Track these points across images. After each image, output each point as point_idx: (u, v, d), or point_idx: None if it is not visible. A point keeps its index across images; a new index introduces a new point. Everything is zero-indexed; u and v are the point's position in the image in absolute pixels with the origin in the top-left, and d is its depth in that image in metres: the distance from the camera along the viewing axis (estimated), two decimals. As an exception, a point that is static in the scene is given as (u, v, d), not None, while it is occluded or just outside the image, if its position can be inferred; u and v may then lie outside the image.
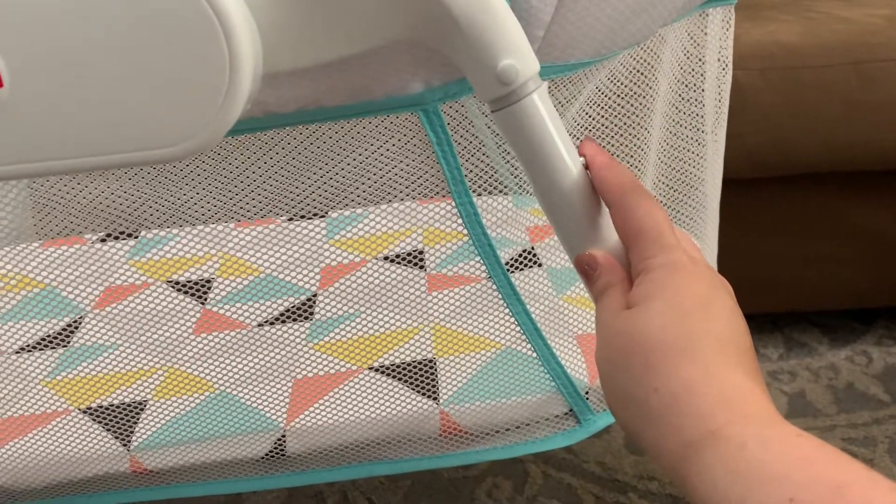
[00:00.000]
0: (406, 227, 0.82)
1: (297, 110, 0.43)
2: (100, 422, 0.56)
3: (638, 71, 0.47)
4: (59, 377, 0.62)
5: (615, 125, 0.49)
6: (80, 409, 0.58)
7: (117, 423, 0.56)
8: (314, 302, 0.71)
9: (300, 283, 0.75)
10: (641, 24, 0.42)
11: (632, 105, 0.49)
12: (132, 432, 0.55)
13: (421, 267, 0.74)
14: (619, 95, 0.48)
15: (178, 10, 0.32)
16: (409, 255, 0.77)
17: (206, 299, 0.73)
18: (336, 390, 0.57)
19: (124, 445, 0.54)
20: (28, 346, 0.67)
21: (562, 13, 0.41)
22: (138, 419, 0.56)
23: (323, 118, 0.43)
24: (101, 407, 0.58)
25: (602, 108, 0.48)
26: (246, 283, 0.75)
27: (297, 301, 0.72)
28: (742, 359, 0.33)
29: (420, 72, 0.43)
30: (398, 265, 0.75)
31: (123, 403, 0.58)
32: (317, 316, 0.69)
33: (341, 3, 0.36)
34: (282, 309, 0.71)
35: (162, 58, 0.33)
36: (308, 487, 0.92)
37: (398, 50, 0.40)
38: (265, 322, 0.69)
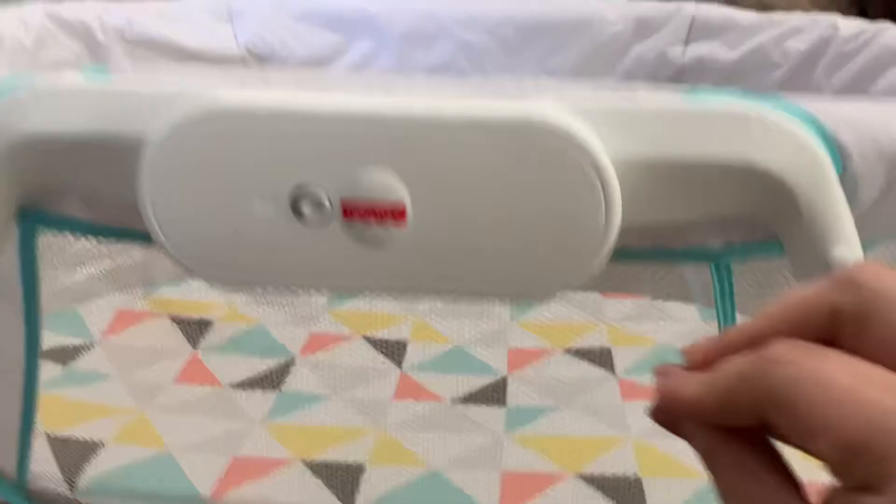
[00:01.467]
0: (591, 320, 0.84)
1: (609, 250, 0.46)
2: (323, 478, 0.60)
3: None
4: (277, 420, 0.66)
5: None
6: (302, 461, 0.61)
7: (341, 483, 0.59)
8: (505, 385, 0.74)
9: (488, 362, 0.77)
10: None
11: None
12: (354, 496, 0.58)
13: (611, 369, 0.76)
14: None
15: (566, 175, 0.35)
16: (595, 351, 0.79)
17: (401, 362, 0.76)
18: (546, 491, 0.59)
19: (347, 507, 0.57)
20: (245, 382, 0.71)
21: (877, 205, 0.42)
22: (359, 482, 0.60)
23: (627, 257, 0.46)
24: (322, 463, 0.61)
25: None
26: (438, 352, 0.78)
27: (489, 381, 0.74)
28: None
29: (725, 231, 0.45)
30: (586, 361, 0.77)
31: (343, 463, 0.61)
32: (510, 402, 0.72)
33: (692, 178, 0.39)
34: (475, 387, 0.73)
35: (544, 214, 0.36)
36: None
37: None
38: (459, 399, 0.72)
